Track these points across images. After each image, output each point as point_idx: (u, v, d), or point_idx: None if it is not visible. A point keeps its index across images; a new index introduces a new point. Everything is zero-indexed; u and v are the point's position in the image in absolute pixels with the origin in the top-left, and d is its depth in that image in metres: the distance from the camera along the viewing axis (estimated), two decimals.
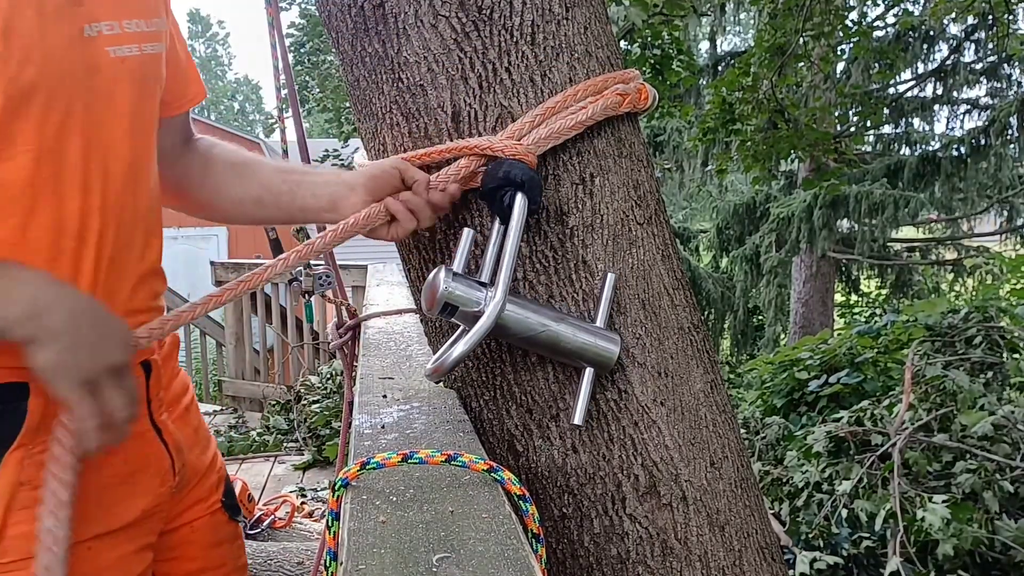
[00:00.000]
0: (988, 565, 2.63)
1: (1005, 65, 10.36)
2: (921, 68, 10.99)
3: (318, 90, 12.92)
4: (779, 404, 4.41)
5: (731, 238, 12.10)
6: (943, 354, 3.59)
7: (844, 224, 10.51)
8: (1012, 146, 10.07)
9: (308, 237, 1.13)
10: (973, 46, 10.54)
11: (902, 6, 10.22)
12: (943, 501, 2.63)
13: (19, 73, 0.83)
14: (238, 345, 6.09)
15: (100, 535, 0.97)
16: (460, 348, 0.95)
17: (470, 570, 0.66)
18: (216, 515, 1.22)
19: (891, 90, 10.96)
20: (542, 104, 1.01)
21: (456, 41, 1.01)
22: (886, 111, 10.60)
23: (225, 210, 1.23)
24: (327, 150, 12.17)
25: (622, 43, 6.73)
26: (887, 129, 11.57)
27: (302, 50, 13.63)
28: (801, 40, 6.95)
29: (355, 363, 1.59)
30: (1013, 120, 9.72)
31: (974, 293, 10.57)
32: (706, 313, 12.12)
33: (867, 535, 2.85)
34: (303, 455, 4.68)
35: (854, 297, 13.63)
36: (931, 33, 10.47)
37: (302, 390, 5.22)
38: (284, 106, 1.57)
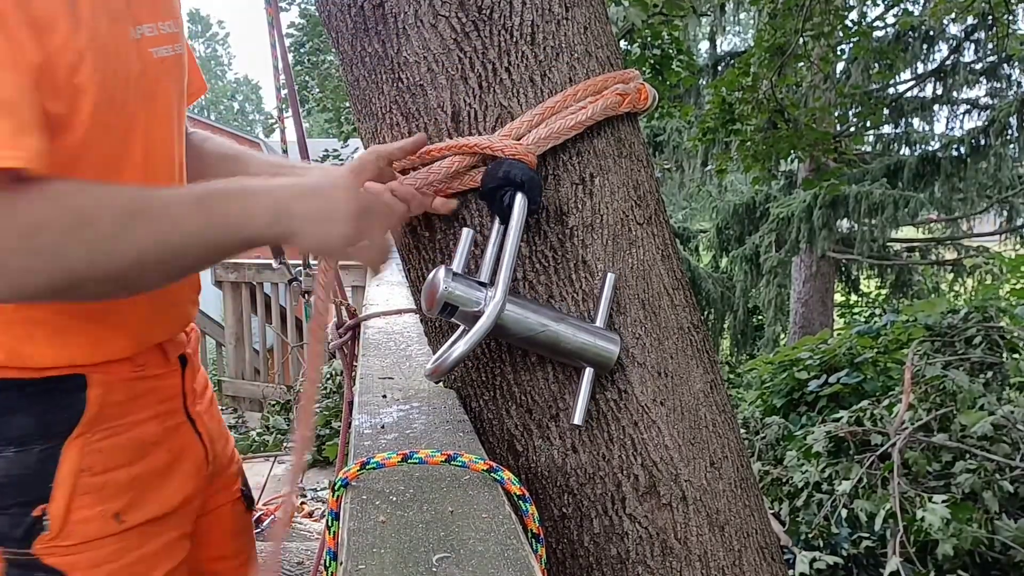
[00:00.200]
0: (988, 565, 2.63)
1: (1005, 65, 10.36)
2: (921, 68, 11.00)
3: (318, 90, 12.92)
4: (779, 404, 4.41)
5: (731, 238, 12.10)
6: (943, 354, 3.59)
7: (844, 224, 10.51)
8: (1012, 146, 10.06)
9: None
10: (973, 46, 10.54)
11: (902, 6, 10.22)
12: (943, 501, 2.63)
13: (92, 79, 0.84)
14: (238, 345, 6.09)
15: (150, 520, 1.01)
16: (460, 348, 0.95)
17: (470, 570, 0.66)
18: (237, 504, 1.26)
19: (891, 90, 10.96)
20: (542, 104, 1.01)
21: (456, 41, 1.01)
22: (886, 111, 10.60)
23: None
24: (327, 150, 12.17)
25: (622, 43, 6.73)
26: (887, 129, 11.57)
27: (302, 50, 13.63)
28: (801, 40, 6.95)
29: (355, 363, 1.59)
30: (1013, 120, 9.72)
31: (974, 293, 10.57)
32: (706, 313, 12.12)
33: (867, 535, 2.85)
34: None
35: (854, 297, 13.63)
36: (931, 33, 10.47)
37: (302, 390, 5.22)
38: (284, 106, 1.57)
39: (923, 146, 11.29)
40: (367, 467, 0.86)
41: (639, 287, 1.09)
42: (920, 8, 10.51)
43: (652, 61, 6.88)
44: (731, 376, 9.37)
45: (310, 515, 3.36)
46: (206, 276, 6.24)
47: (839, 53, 9.39)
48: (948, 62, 10.62)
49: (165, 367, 1.05)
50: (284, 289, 6.00)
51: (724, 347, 13.26)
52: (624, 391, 1.06)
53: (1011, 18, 8.33)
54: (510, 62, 1.01)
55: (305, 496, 3.76)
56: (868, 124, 10.04)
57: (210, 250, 0.83)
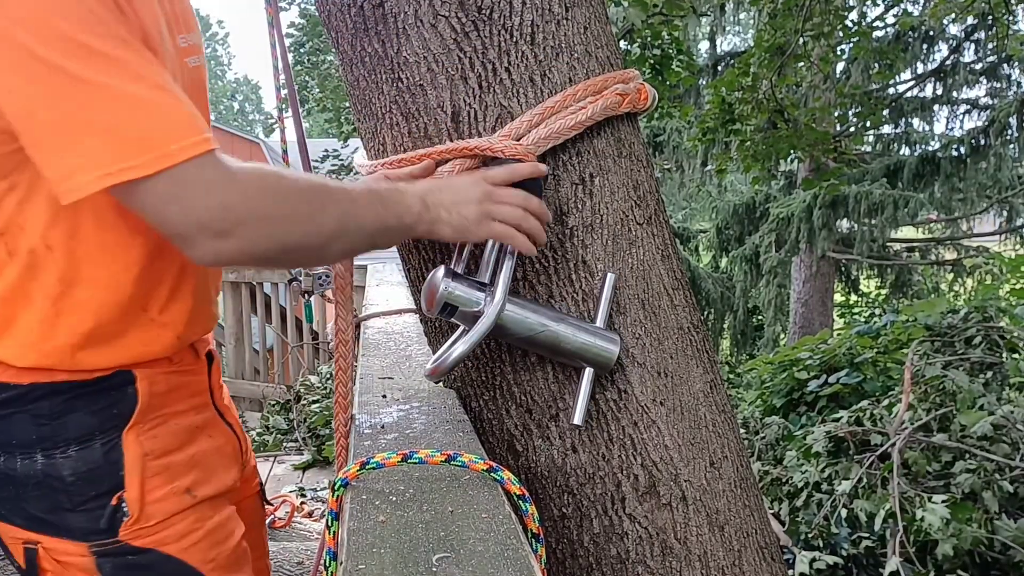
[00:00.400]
0: (987, 565, 2.63)
1: (1005, 65, 10.35)
2: (921, 68, 10.99)
3: (318, 90, 12.91)
4: (779, 404, 4.41)
5: (731, 238, 12.10)
6: (942, 354, 3.59)
7: (844, 224, 10.51)
8: (1012, 146, 10.06)
9: None
10: (973, 46, 10.53)
11: (901, 6, 10.21)
12: (942, 501, 2.63)
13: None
14: (238, 345, 6.09)
15: (218, 494, 1.07)
16: (460, 348, 0.95)
17: (470, 570, 0.66)
18: (256, 498, 1.31)
19: (891, 90, 10.95)
20: (542, 104, 1.01)
21: (456, 41, 1.01)
22: (886, 111, 10.59)
23: None
24: (327, 150, 12.16)
25: (622, 43, 6.73)
26: (887, 129, 11.55)
27: (302, 50, 13.62)
28: (801, 40, 6.95)
29: (355, 363, 1.59)
30: (1012, 120, 9.71)
31: (973, 293, 10.57)
32: (706, 313, 12.11)
33: (866, 535, 2.85)
34: (303, 455, 4.68)
35: (854, 297, 13.62)
36: (931, 33, 10.46)
37: (302, 390, 5.22)
38: (284, 106, 1.57)
39: (923, 146, 11.28)
40: (367, 467, 0.86)
41: (639, 287, 1.09)
42: (920, 8, 10.51)
43: (652, 61, 6.88)
44: (731, 376, 9.37)
45: (310, 515, 3.36)
46: None
47: (839, 53, 9.38)
48: (948, 62, 10.62)
49: (195, 363, 1.11)
50: (284, 289, 6.00)
51: (724, 347, 13.25)
52: (624, 391, 1.07)
53: (1011, 18, 8.33)
54: (510, 62, 1.01)
55: (305, 496, 3.76)
56: (868, 124, 10.03)
57: (381, 231, 0.93)
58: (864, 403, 3.57)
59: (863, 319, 12.04)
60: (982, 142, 9.98)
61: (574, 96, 1.02)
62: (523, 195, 0.98)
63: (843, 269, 11.88)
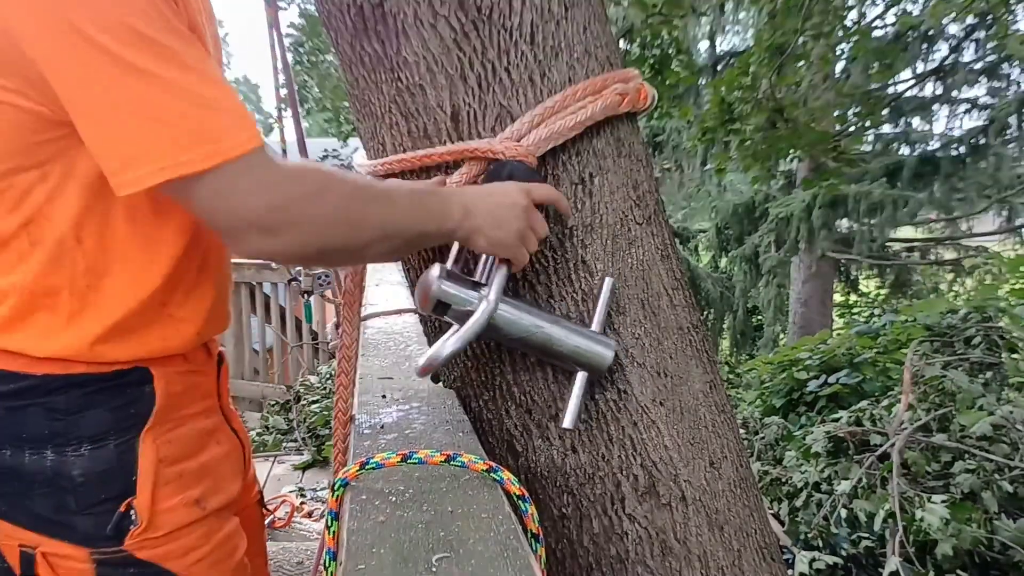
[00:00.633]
0: (987, 565, 2.63)
1: (1004, 65, 10.34)
2: (920, 68, 10.97)
3: (317, 90, 12.91)
4: (778, 404, 4.41)
5: (730, 238, 12.09)
6: (942, 354, 3.59)
7: (843, 224, 10.50)
8: (1011, 146, 10.05)
9: None
10: (973, 46, 10.52)
11: (901, 6, 10.21)
12: (942, 501, 2.63)
13: None
14: (237, 345, 6.08)
15: (225, 506, 1.05)
16: (451, 346, 0.95)
17: (469, 570, 0.66)
18: (257, 506, 1.29)
19: (890, 90, 10.94)
20: (541, 104, 1.01)
21: (455, 41, 1.01)
22: (885, 111, 10.58)
23: None
24: (326, 150, 12.16)
25: (621, 43, 6.73)
26: (886, 129, 11.54)
27: (301, 50, 13.62)
28: (800, 40, 6.94)
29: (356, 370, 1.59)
30: (1012, 120, 9.70)
31: (973, 293, 10.56)
32: (705, 313, 12.11)
33: (866, 535, 2.85)
34: (302, 455, 4.68)
35: (853, 297, 13.61)
36: (930, 33, 10.45)
37: (301, 390, 5.22)
38: (283, 106, 1.57)
39: (923, 146, 11.27)
40: (367, 467, 0.86)
41: (638, 287, 1.09)
42: (920, 8, 10.50)
43: (651, 61, 6.88)
44: (730, 376, 9.36)
45: (310, 515, 3.36)
46: None
47: (838, 53, 9.38)
48: (948, 62, 10.61)
49: (207, 363, 1.09)
50: (283, 289, 6.00)
51: (724, 347, 13.25)
52: (624, 391, 1.06)
53: (1011, 18, 8.33)
54: (509, 62, 1.01)
55: (305, 496, 3.76)
56: (867, 124, 10.02)
57: (418, 235, 0.93)
58: (864, 403, 3.57)
59: (863, 319, 12.04)
60: (982, 142, 9.98)
61: (574, 96, 1.02)
62: (545, 224, 1.00)
63: (843, 269, 11.87)
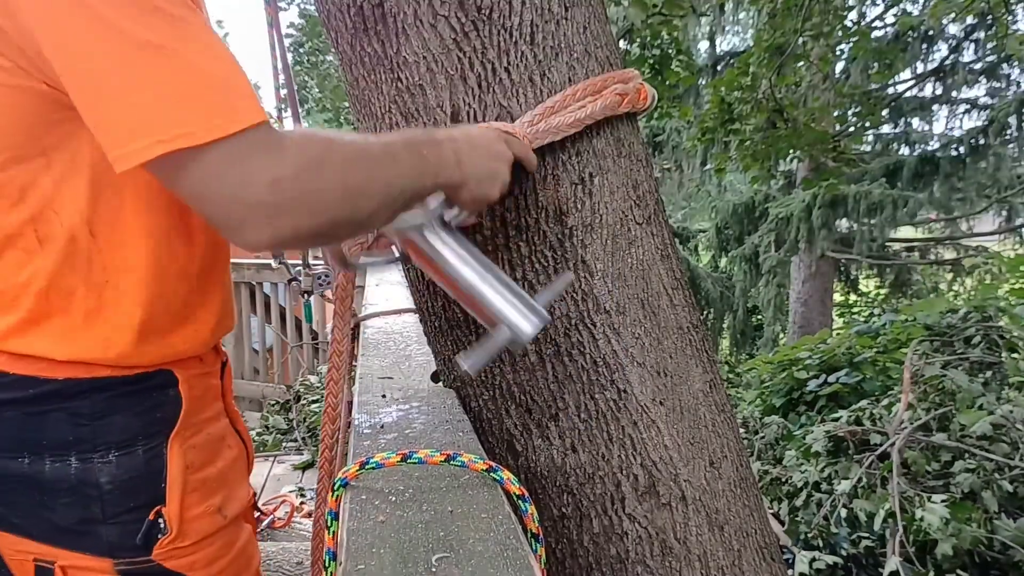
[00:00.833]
0: (987, 564, 2.63)
1: (1004, 65, 10.35)
2: (920, 68, 10.98)
3: (317, 90, 12.92)
4: (778, 404, 4.41)
5: (730, 238, 12.09)
6: (942, 354, 3.59)
7: (843, 224, 10.50)
8: (1011, 146, 10.05)
9: None
10: (972, 46, 10.53)
11: (901, 6, 10.21)
12: (942, 501, 2.63)
13: None
14: (237, 345, 6.08)
15: (240, 514, 1.03)
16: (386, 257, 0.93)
17: (469, 570, 0.66)
18: (251, 509, 1.26)
19: (890, 90, 10.95)
20: (542, 104, 1.01)
21: (455, 41, 1.01)
22: (885, 111, 10.59)
23: None
24: None
25: (621, 43, 6.73)
26: (886, 129, 11.55)
27: (301, 50, 13.62)
28: (800, 40, 6.95)
29: (354, 363, 1.59)
30: (1012, 120, 9.70)
31: (973, 293, 10.56)
32: (705, 313, 12.11)
33: (866, 535, 2.85)
34: (302, 455, 4.68)
35: (853, 297, 13.62)
36: (930, 33, 10.46)
37: (301, 390, 5.22)
38: (284, 106, 1.57)
39: (922, 146, 11.28)
40: (366, 467, 0.86)
41: (638, 287, 1.09)
42: (919, 8, 10.50)
43: (651, 61, 6.88)
44: (730, 376, 9.36)
45: (310, 515, 3.36)
46: None
47: (838, 53, 9.39)
48: (947, 62, 10.61)
49: (215, 365, 1.06)
50: (283, 289, 6.00)
51: (724, 347, 13.25)
52: (623, 391, 1.06)
53: (1011, 18, 8.33)
54: (509, 62, 1.01)
55: (305, 496, 3.76)
56: (867, 124, 10.03)
57: (416, 191, 0.86)
58: (864, 403, 3.57)
59: (862, 319, 12.04)
60: (981, 142, 9.98)
61: (573, 96, 1.02)
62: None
63: (842, 269, 11.87)
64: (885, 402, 3.54)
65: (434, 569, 0.66)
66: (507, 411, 1.10)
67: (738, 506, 1.14)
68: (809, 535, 2.94)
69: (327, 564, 0.86)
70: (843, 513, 2.91)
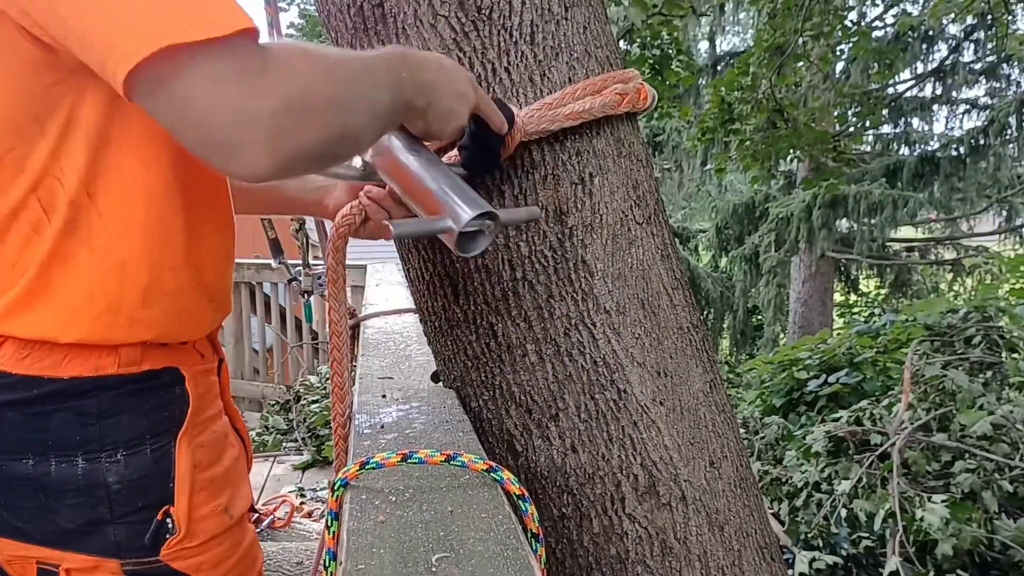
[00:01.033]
0: (987, 565, 2.63)
1: (1004, 65, 10.36)
2: (920, 68, 10.99)
3: None
4: (778, 404, 4.41)
5: (730, 238, 12.10)
6: (942, 354, 3.59)
7: (843, 224, 10.51)
8: (1011, 146, 10.06)
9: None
10: (972, 46, 10.53)
11: (901, 6, 10.22)
12: (942, 501, 2.63)
13: None
14: (237, 345, 6.08)
15: (246, 512, 1.02)
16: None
17: (469, 570, 0.66)
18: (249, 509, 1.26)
19: (890, 90, 10.96)
20: (540, 101, 1.01)
21: (455, 41, 1.01)
22: (885, 111, 10.60)
23: None
24: None
25: (621, 43, 6.73)
26: (886, 129, 11.56)
27: None
28: (800, 40, 6.95)
29: (354, 363, 1.59)
30: (1012, 120, 9.71)
31: (973, 293, 10.57)
32: (705, 313, 12.12)
33: (866, 535, 2.85)
34: (302, 455, 4.68)
35: (853, 297, 13.63)
36: (930, 33, 10.46)
37: (301, 390, 5.22)
38: None
39: (922, 146, 11.29)
40: (366, 467, 0.86)
41: (638, 287, 1.09)
42: (919, 8, 10.51)
43: (651, 61, 6.89)
44: (731, 376, 9.37)
45: (310, 515, 3.35)
46: None
47: (838, 53, 9.39)
48: (947, 62, 10.62)
49: (214, 361, 1.05)
50: (283, 289, 6.00)
51: (724, 347, 13.25)
52: (623, 391, 1.06)
53: (1010, 18, 8.33)
54: (509, 62, 1.01)
55: (305, 496, 3.76)
56: (867, 124, 10.04)
57: (396, 110, 0.84)
58: (864, 403, 3.57)
59: (863, 319, 12.05)
60: (981, 142, 9.99)
61: (573, 95, 1.02)
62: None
63: (843, 269, 11.88)
64: (885, 402, 3.55)
65: (434, 569, 0.66)
66: (507, 411, 1.10)
67: (738, 506, 1.14)
68: (809, 535, 2.94)
69: (327, 564, 0.86)
70: (843, 513, 2.91)
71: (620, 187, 1.08)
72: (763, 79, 7.32)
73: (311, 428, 4.81)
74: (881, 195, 9.55)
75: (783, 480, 3.36)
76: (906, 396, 3.27)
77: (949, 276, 12.30)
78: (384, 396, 1.21)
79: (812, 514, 3.05)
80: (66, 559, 0.88)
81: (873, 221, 9.84)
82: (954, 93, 10.96)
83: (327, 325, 1.12)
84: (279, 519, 3.05)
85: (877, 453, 3.04)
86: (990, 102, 10.86)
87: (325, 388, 5.06)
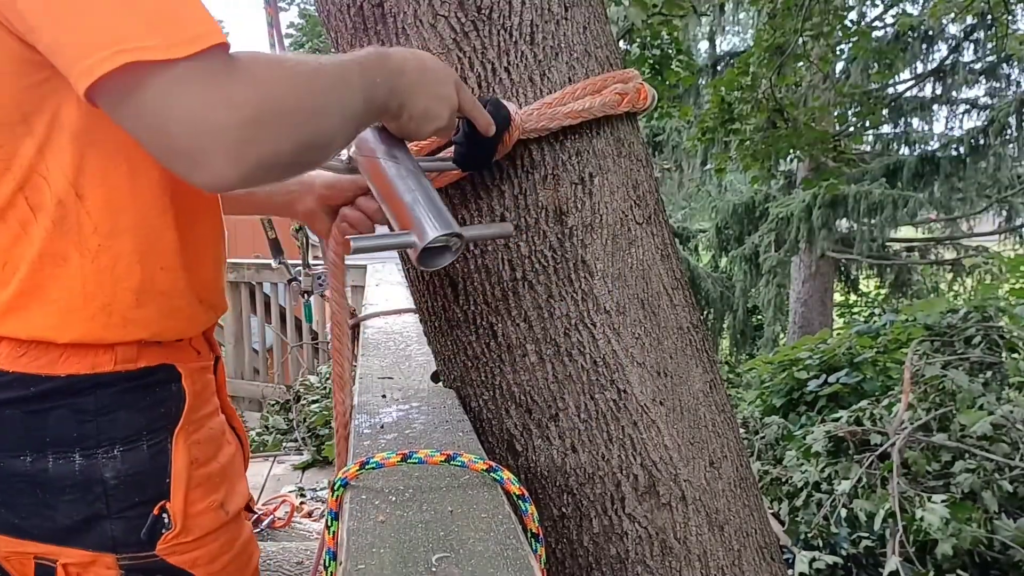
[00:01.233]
0: (987, 564, 2.63)
1: (1004, 65, 10.36)
2: (920, 68, 10.99)
3: None
4: (778, 404, 4.41)
5: (730, 238, 12.10)
6: (942, 354, 3.59)
7: (843, 224, 10.51)
8: (1011, 146, 10.06)
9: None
10: (972, 46, 10.54)
11: (901, 6, 10.22)
12: (942, 501, 2.63)
13: None
14: (237, 345, 6.08)
15: (241, 509, 1.03)
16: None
17: (469, 570, 0.66)
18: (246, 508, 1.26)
19: (890, 90, 10.96)
20: (540, 100, 1.01)
21: (455, 41, 1.01)
22: (885, 111, 10.60)
23: None
24: None
25: (621, 43, 6.73)
26: (886, 129, 11.56)
27: (301, 50, 13.63)
28: (800, 40, 6.95)
29: (354, 363, 1.60)
30: (1012, 120, 9.71)
31: (973, 293, 10.57)
32: (705, 313, 12.12)
33: (866, 535, 2.85)
34: (302, 455, 4.68)
35: (853, 297, 13.62)
36: (930, 33, 10.46)
37: (301, 390, 5.22)
38: None
39: (922, 146, 11.29)
40: (366, 467, 0.86)
41: (638, 287, 1.09)
42: (919, 8, 10.51)
43: (651, 61, 6.88)
44: (730, 376, 9.37)
45: (310, 515, 3.35)
46: None
47: (838, 53, 9.39)
48: (947, 62, 10.62)
49: (211, 359, 1.06)
50: (283, 289, 6.00)
51: (724, 347, 13.25)
52: (623, 391, 1.06)
53: (1010, 18, 8.33)
54: (509, 62, 1.01)
55: (305, 496, 3.76)
56: (867, 124, 10.04)
57: (368, 114, 0.85)
58: (864, 403, 3.57)
59: (863, 319, 12.05)
60: (981, 142, 9.99)
61: (572, 95, 1.02)
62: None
63: (842, 269, 11.88)
64: (885, 402, 3.55)
65: (434, 569, 0.66)
66: (507, 411, 1.10)
67: (738, 506, 1.14)
68: (809, 535, 2.94)
69: (327, 564, 0.86)
70: (843, 513, 2.91)
71: (620, 187, 1.08)
72: (763, 79, 7.32)
73: (311, 428, 4.80)
74: (881, 195, 9.55)
75: (783, 480, 3.36)
76: (906, 396, 3.27)
77: (949, 276, 12.30)
78: (384, 396, 1.21)
79: (812, 514, 3.05)
80: (63, 554, 0.89)
81: (873, 221, 9.84)
82: (954, 93, 10.96)
83: (328, 326, 1.13)
84: (279, 519, 3.05)
85: (877, 453, 3.04)
86: (990, 102, 10.86)
87: (325, 388, 5.06)
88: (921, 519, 2.58)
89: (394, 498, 0.81)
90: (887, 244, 11.27)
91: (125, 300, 0.87)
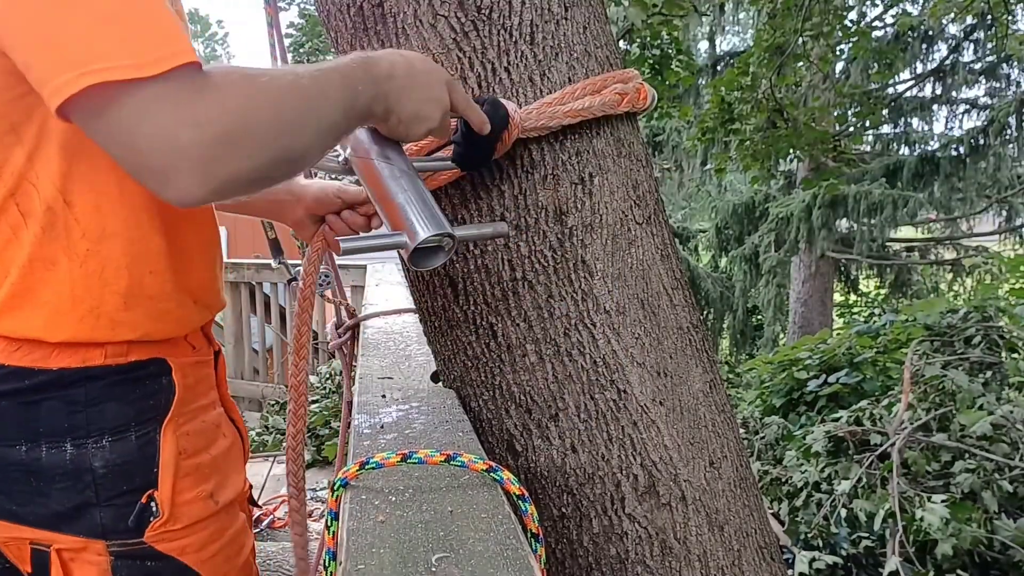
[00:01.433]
0: (987, 565, 2.63)
1: (1004, 65, 10.36)
2: (920, 68, 10.99)
3: None
4: (778, 404, 4.41)
5: (730, 238, 12.09)
6: (942, 354, 3.59)
7: (843, 224, 10.51)
8: (1011, 146, 10.05)
9: None
10: (972, 46, 10.54)
11: (901, 6, 10.22)
12: (942, 501, 2.63)
13: None
14: (237, 345, 6.08)
15: (233, 501, 1.05)
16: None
17: (469, 570, 0.66)
18: (246, 503, 1.26)
19: (890, 90, 10.96)
20: (539, 100, 1.01)
21: (455, 41, 1.01)
22: (885, 111, 10.60)
23: None
24: None
25: (621, 43, 6.73)
26: (886, 129, 11.56)
27: (301, 50, 13.63)
28: (800, 40, 6.95)
29: (354, 363, 1.60)
30: (1012, 120, 9.71)
31: (973, 293, 10.57)
32: (705, 313, 12.11)
33: (866, 535, 2.85)
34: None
35: (853, 297, 13.62)
36: (930, 33, 10.46)
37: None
38: None
39: (922, 146, 11.29)
40: (366, 467, 0.86)
41: (638, 287, 1.09)
42: (919, 8, 10.51)
43: (651, 61, 6.88)
44: (730, 376, 9.37)
45: (310, 515, 3.36)
46: None
47: (838, 53, 9.39)
48: (947, 62, 10.62)
49: (209, 354, 1.08)
50: (283, 289, 6.01)
51: (723, 347, 13.25)
52: (623, 391, 1.06)
53: (1010, 18, 8.33)
54: (509, 62, 1.01)
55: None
56: (867, 124, 10.04)
57: (348, 126, 0.85)
58: (864, 403, 3.57)
59: (862, 319, 12.05)
60: (981, 142, 9.99)
61: (572, 95, 1.02)
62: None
63: (842, 269, 11.88)
64: (885, 402, 3.55)
65: (434, 569, 0.66)
66: (507, 411, 1.10)
67: (738, 506, 1.14)
68: (809, 535, 2.94)
69: (327, 564, 0.86)
70: (843, 513, 2.91)
71: (620, 187, 1.08)
72: (763, 79, 7.32)
73: (311, 428, 4.80)
74: (881, 195, 9.55)
75: (783, 480, 3.36)
76: (906, 396, 3.27)
77: (949, 276, 12.29)
78: (384, 396, 1.21)
79: (812, 514, 3.05)
80: (57, 540, 0.92)
81: (873, 221, 9.84)
82: (954, 93, 10.96)
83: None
84: (279, 519, 3.05)
85: (877, 453, 3.04)
86: (990, 102, 10.86)
87: (325, 388, 5.06)
88: (921, 519, 2.58)
89: (394, 498, 0.81)
90: (887, 244, 11.27)
91: (113, 303, 0.90)
